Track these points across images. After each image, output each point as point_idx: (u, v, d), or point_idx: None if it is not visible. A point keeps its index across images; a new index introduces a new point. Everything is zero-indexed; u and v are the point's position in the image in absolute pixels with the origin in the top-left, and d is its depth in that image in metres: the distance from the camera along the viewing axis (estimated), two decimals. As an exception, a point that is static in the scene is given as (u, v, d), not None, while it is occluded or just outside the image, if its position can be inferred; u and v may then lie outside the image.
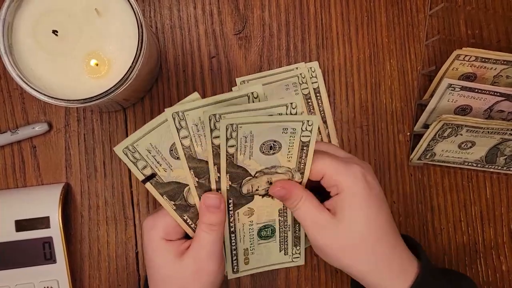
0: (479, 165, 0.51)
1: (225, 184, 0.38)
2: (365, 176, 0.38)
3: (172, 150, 0.37)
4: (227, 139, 0.35)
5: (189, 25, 0.50)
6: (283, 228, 0.44)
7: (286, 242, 0.45)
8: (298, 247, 0.45)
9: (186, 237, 0.40)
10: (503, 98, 0.46)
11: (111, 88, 0.36)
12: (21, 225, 0.45)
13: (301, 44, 0.51)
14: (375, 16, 0.52)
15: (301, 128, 0.36)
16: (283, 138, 0.37)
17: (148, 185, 0.37)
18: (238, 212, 0.41)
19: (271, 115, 0.36)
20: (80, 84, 0.38)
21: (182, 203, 0.38)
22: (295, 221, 0.44)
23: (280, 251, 0.45)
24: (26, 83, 0.36)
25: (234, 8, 0.51)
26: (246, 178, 0.39)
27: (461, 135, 0.47)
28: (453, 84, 0.46)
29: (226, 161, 0.37)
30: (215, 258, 0.38)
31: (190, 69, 0.50)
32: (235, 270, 0.45)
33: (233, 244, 0.43)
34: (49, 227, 0.45)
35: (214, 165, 0.37)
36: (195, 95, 0.36)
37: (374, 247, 0.37)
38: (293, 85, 0.36)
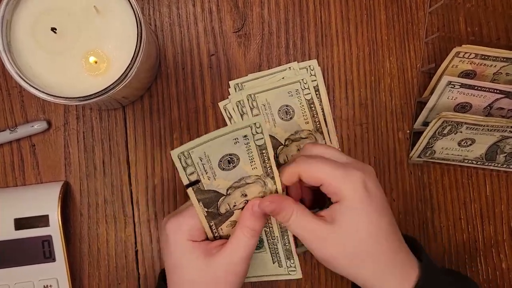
0: (479, 163, 0.51)
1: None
2: (365, 183, 0.37)
3: (221, 161, 0.37)
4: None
5: (188, 23, 0.50)
6: (271, 240, 0.44)
7: (277, 255, 0.44)
8: (292, 260, 0.44)
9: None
10: (503, 96, 0.46)
11: (110, 86, 0.36)
12: (20, 223, 0.44)
13: (300, 41, 0.51)
14: (374, 14, 0.52)
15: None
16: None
17: (189, 190, 0.37)
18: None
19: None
20: (79, 82, 0.38)
21: (214, 211, 0.39)
22: (283, 234, 0.43)
23: (273, 263, 0.45)
24: (25, 81, 0.36)
25: (233, 5, 0.51)
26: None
27: (461, 132, 0.47)
28: (453, 82, 0.46)
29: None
30: (247, 261, 0.39)
31: (189, 67, 0.50)
32: None
33: None
34: (49, 226, 0.45)
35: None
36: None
37: (377, 254, 0.37)
38: (296, 91, 0.37)
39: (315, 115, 0.38)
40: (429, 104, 0.48)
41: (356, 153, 0.51)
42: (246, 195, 0.39)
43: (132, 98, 0.48)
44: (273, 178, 0.38)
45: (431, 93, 0.48)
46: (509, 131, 0.46)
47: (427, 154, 0.50)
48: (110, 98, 0.38)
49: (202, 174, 0.36)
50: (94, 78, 0.38)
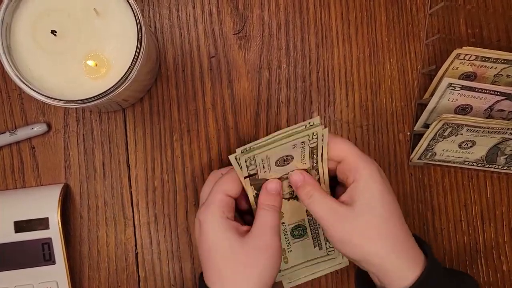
0: (479, 165, 0.51)
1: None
2: (379, 170, 0.40)
3: (278, 160, 0.40)
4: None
5: (188, 25, 0.50)
6: (314, 226, 0.46)
7: (318, 238, 0.47)
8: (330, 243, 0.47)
9: None
10: (504, 97, 0.46)
11: (110, 89, 0.36)
12: (20, 226, 0.44)
13: (300, 43, 0.51)
14: (375, 15, 0.52)
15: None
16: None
17: (246, 180, 0.40)
18: None
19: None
20: (79, 84, 0.38)
21: (256, 178, 0.41)
22: None
23: (314, 247, 0.47)
24: (25, 84, 0.36)
25: (233, 7, 0.51)
26: None
27: (462, 134, 0.47)
28: (453, 84, 0.46)
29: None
30: (277, 236, 0.39)
31: (190, 69, 0.50)
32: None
33: None
34: (48, 228, 0.44)
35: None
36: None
37: (394, 229, 0.38)
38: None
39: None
40: (430, 106, 0.48)
41: (356, 155, 0.51)
42: (290, 185, 0.43)
43: (132, 100, 0.48)
44: (317, 170, 0.41)
45: (432, 95, 0.48)
46: (510, 133, 0.46)
47: (428, 156, 0.50)
48: (110, 100, 0.38)
49: (260, 170, 0.40)
50: (94, 81, 0.38)
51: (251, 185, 0.41)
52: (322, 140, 0.39)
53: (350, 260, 0.42)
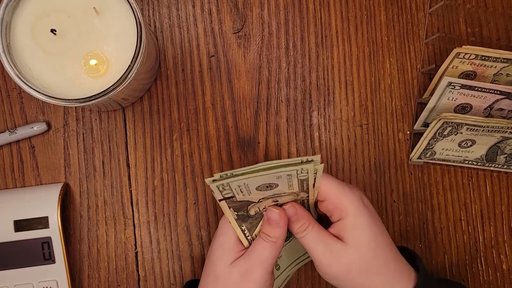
0: (479, 164, 0.51)
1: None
2: (362, 199, 0.40)
3: (259, 187, 0.38)
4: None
5: (188, 24, 0.50)
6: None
7: None
8: None
9: None
10: (503, 96, 0.46)
11: (109, 88, 0.36)
12: (20, 225, 0.44)
13: (300, 42, 0.51)
14: (374, 14, 0.52)
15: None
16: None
17: (223, 203, 0.39)
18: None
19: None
20: (78, 83, 0.38)
21: (244, 213, 0.40)
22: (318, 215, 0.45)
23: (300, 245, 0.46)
24: (25, 83, 0.36)
25: (233, 6, 0.50)
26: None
27: (461, 133, 0.47)
28: (453, 83, 0.46)
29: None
30: (264, 267, 0.39)
31: (189, 68, 0.50)
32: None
33: None
34: (48, 227, 0.45)
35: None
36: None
37: (385, 263, 0.39)
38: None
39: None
40: (429, 105, 0.48)
41: (356, 154, 0.51)
42: (277, 201, 0.41)
43: (131, 99, 0.48)
44: (307, 191, 0.40)
45: (431, 94, 0.48)
46: (510, 132, 0.46)
47: (428, 155, 0.50)
48: (109, 99, 0.38)
49: (237, 194, 0.38)
50: (94, 80, 0.38)
51: (229, 207, 0.39)
52: (315, 173, 0.37)
53: None
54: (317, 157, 0.36)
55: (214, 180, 0.36)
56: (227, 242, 0.40)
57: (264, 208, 0.41)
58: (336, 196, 0.39)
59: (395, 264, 0.40)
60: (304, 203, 0.42)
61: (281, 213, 0.39)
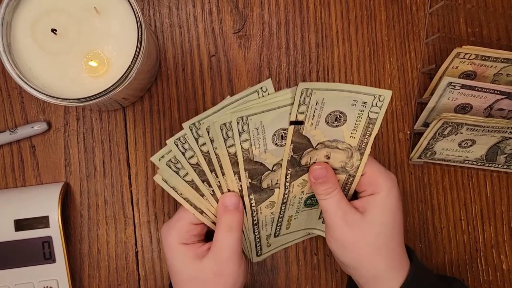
0: (479, 164, 0.51)
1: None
2: (397, 186, 0.41)
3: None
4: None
5: (188, 24, 0.50)
6: None
7: None
8: None
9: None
10: (503, 96, 0.46)
11: (110, 87, 0.36)
12: (20, 224, 0.44)
13: (300, 42, 0.51)
14: (374, 14, 0.52)
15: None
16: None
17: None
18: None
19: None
20: (79, 83, 0.38)
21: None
22: None
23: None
24: (25, 82, 0.36)
25: (234, 6, 0.51)
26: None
27: (461, 133, 0.47)
28: (453, 83, 0.46)
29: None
30: (235, 258, 0.39)
31: (190, 68, 0.50)
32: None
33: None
34: (49, 227, 0.45)
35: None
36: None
37: (394, 248, 0.40)
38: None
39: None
40: (430, 105, 0.48)
41: (356, 154, 0.51)
42: (329, 157, 0.40)
43: (132, 99, 0.48)
44: (362, 154, 0.40)
45: (432, 94, 0.48)
46: (510, 132, 0.46)
47: (428, 155, 0.50)
48: (110, 99, 0.38)
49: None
50: (94, 79, 0.38)
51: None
52: (379, 110, 0.35)
53: (343, 264, 0.42)
54: (389, 93, 0.35)
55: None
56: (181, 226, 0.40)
57: (276, 184, 0.40)
58: (375, 174, 0.40)
59: (399, 251, 0.41)
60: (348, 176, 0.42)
61: (236, 196, 0.40)
